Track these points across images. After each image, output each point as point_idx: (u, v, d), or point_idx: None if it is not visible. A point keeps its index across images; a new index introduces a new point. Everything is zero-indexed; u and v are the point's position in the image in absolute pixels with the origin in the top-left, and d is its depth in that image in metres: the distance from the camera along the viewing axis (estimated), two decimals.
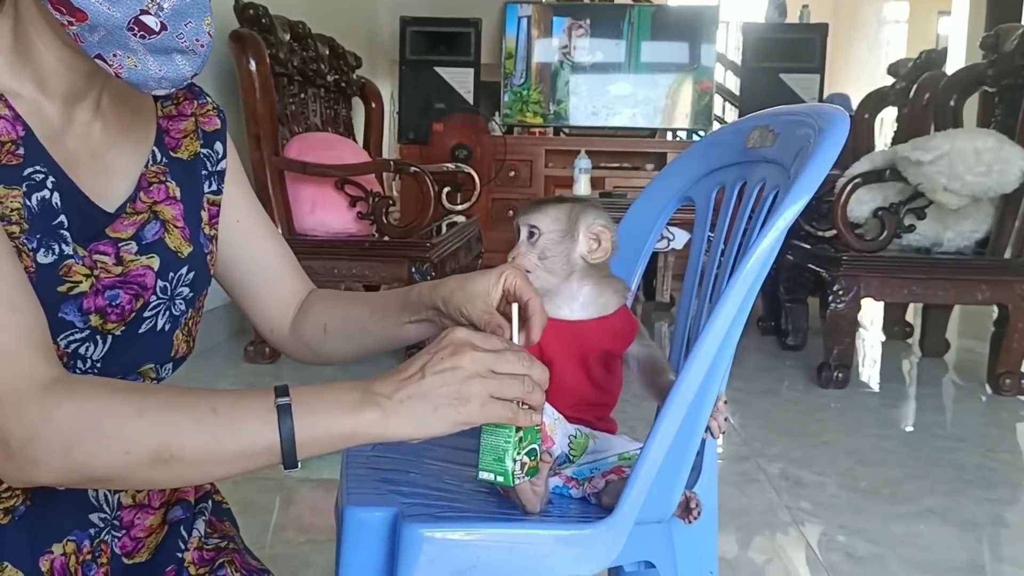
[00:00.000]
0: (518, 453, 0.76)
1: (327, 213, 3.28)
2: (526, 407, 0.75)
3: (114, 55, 0.72)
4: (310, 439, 0.71)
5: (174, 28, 0.72)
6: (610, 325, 0.92)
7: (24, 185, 0.75)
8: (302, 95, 3.71)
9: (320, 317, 0.98)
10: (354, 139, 4.29)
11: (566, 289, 0.91)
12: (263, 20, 3.33)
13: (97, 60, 0.73)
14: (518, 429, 0.76)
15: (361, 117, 4.48)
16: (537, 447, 0.78)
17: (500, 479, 0.77)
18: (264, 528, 1.86)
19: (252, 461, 0.71)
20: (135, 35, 0.71)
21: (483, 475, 0.78)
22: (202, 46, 0.74)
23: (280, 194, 3.22)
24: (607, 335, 0.92)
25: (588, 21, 6.01)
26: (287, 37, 3.57)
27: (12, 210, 0.73)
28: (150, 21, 0.70)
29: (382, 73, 5.93)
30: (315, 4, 4.45)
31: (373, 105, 4.44)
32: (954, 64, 5.65)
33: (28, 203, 0.75)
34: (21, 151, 0.75)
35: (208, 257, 0.91)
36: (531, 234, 0.91)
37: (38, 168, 0.76)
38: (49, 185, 0.77)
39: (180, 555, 0.87)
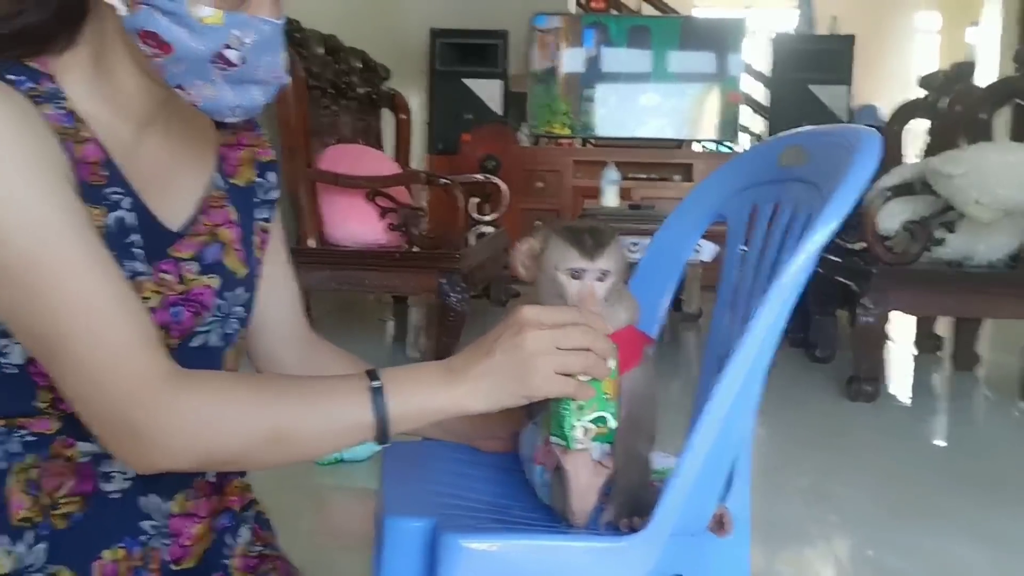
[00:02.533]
0: (578, 420, 0.81)
1: (358, 224, 3.32)
2: (587, 380, 0.79)
3: (194, 85, 0.76)
4: (401, 416, 0.78)
5: (253, 62, 0.76)
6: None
7: (104, 204, 0.79)
8: (334, 107, 3.75)
9: None
10: (384, 150, 4.33)
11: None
12: (296, 35, 3.39)
13: (177, 89, 0.77)
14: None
15: (391, 128, 4.53)
16: (608, 415, 0.82)
17: (563, 443, 0.82)
18: (296, 535, 1.88)
19: (352, 438, 0.78)
20: (217, 67, 0.75)
21: (553, 439, 0.83)
22: (277, 78, 0.79)
23: (312, 205, 3.26)
24: None
25: (615, 32, 6.03)
26: (320, 51, 3.62)
27: (96, 228, 0.77)
28: (232, 55, 0.75)
29: (412, 84, 5.98)
30: (346, 17, 4.50)
31: (403, 116, 4.48)
32: (986, 76, 5.60)
33: (107, 222, 0.79)
34: (105, 172, 0.80)
35: (256, 280, 0.94)
36: (603, 277, 0.87)
37: (116, 189, 0.80)
38: (125, 205, 0.81)
39: (226, 562, 0.90)
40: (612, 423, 0.82)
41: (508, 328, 0.78)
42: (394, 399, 0.77)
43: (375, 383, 0.77)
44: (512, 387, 0.78)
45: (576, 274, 0.87)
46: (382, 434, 0.77)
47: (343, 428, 0.78)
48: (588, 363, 0.78)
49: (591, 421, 0.81)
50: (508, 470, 1.01)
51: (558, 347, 0.77)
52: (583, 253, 0.86)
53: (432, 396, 0.78)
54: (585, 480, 0.84)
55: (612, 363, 0.82)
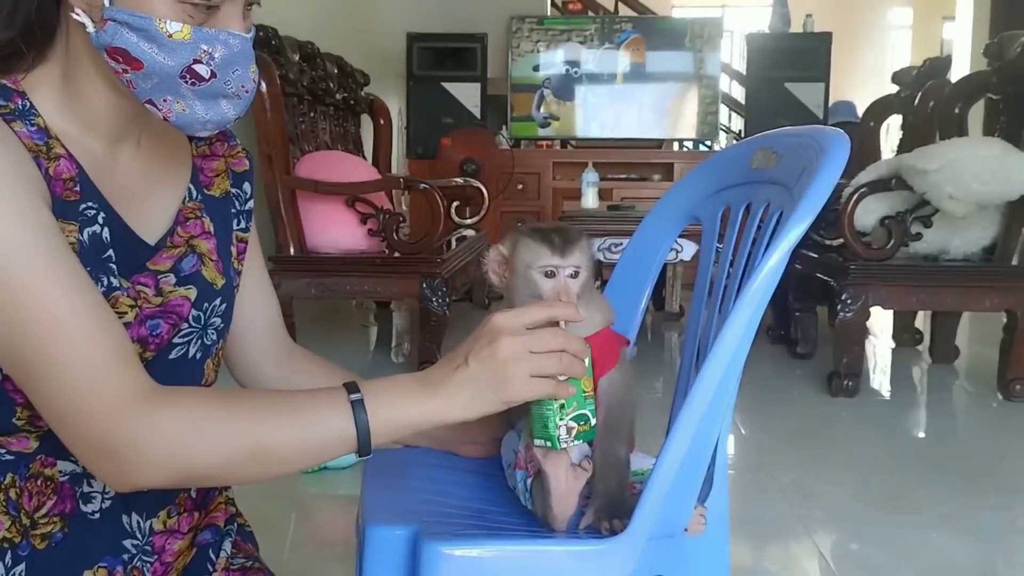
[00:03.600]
0: (561, 419, 0.82)
1: (338, 231, 3.31)
2: (565, 379, 0.80)
3: (164, 100, 0.76)
4: (382, 429, 0.78)
5: (222, 76, 0.76)
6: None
7: (78, 220, 0.79)
8: (312, 114, 3.75)
9: None
10: (363, 155, 4.33)
11: None
12: (273, 42, 3.38)
13: (148, 105, 0.77)
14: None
15: (370, 133, 4.52)
16: (588, 412, 0.84)
17: (548, 444, 0.83)
18: (281, 544, 1.89)
19: (333, 451, 0.79)
20: (186, 82, 0.75)
21: (537, 442, 0.84)
22: (246, 91, 0.79)
23: (292, 213, 3.26)
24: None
25: (593, 33, 6.05)
26: (296, 58, 3.61)
27: (70, 244, 0.77)
28: (202, 70, 0.75)
29: (390, 89, 5.98)
30: (323, 24, 4.50)
31: (382, 121, 4.48)
32: (959, 70, 5.65)
33: (81, 237, 0.79)
34: (78, 188, 0.80)
35: (235, 290, 0.94)
36: (576, 274, 0.89)
37: (90, 204, 0.80)
38: (100, 220, 0.81)
39: None
40: (593, 420, 0.84)
41: (481, 337, 0.79)
42: (374, 412, 0.78)
43: (355, 396, 0.78)
44: (490, 395, 0.79)
45: (549, 273, 0.88)
46: (363, 447, 0.78)
47: (324, 442, 0.78)
48: (563, 364, 0.79)
49: (573, 419, 0.83)
50: (489, 475, 1.02)
51: (531, 351, 0.78)
52: (554, 251, 0.88)
53: (412, 407, 0.79)
54: (565, 484, 0.85)
55: (587, 360, 0.83)
